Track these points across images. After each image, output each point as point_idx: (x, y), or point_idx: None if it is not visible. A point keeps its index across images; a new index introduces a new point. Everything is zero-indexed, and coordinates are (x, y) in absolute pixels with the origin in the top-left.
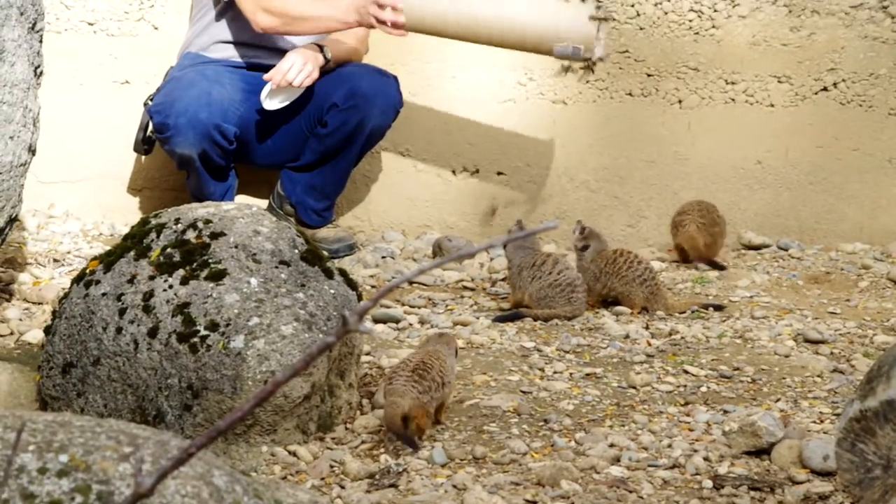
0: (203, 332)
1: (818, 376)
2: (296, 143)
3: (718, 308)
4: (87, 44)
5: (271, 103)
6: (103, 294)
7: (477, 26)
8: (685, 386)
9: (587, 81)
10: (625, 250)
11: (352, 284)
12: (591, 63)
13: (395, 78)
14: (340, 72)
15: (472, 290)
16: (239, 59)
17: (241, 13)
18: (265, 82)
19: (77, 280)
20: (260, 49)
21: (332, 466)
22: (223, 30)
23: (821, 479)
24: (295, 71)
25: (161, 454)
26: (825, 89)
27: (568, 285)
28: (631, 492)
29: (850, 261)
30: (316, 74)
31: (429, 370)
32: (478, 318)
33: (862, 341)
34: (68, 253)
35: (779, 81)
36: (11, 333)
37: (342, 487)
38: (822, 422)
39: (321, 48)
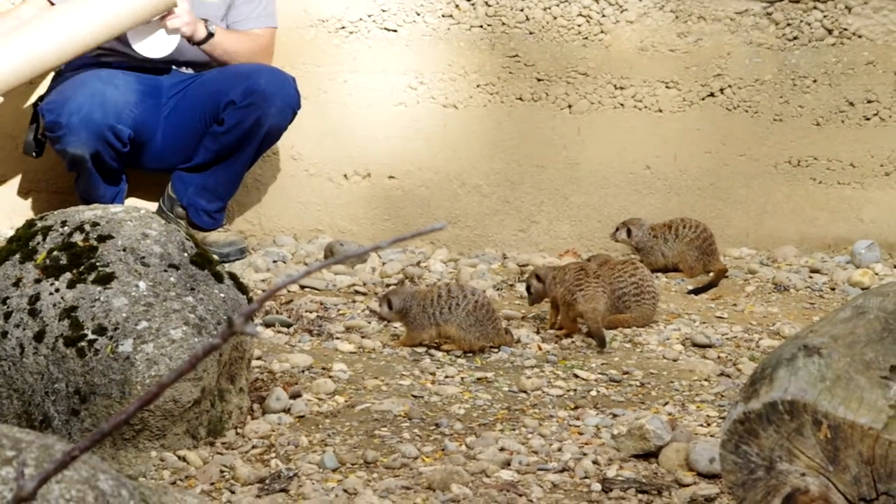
0: (91, 337)
1: (705, 380)
2: (190, 145)
3: None
4: None
5: (144, 48)
6: None
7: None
8: (575, 390)
9: (478, 86)
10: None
11: (242, 288)
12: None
13: (293, 78)
14: (239, 69)
15: (364, 294)
16: (130, 63)
17: None
18: (159, 85)
19: None
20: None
21: (222, 471)
22: None
23: (707, 482)
24: (183, 16)
25: (45, 458)
26: (712, 95)
27: (486, 305)
28: (521, 495)
29: (737, 265)
30: (188, 32)
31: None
32: (369, 322)
33: (748, 345)
34: None
35: (667, 87)
36: None
37: (232, 492)
38: (708, 425)
39: (206, 22)
